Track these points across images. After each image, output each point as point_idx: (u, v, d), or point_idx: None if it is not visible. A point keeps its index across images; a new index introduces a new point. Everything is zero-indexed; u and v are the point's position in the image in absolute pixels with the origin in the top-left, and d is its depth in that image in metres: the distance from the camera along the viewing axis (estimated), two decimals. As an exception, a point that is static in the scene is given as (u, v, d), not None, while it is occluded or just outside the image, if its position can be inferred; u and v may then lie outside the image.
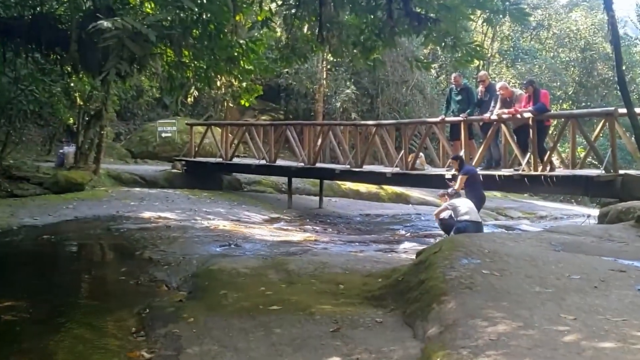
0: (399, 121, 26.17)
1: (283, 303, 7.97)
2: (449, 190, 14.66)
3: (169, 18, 12.91)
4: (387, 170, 19.32)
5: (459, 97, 17.75)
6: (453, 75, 18.90)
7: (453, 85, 18.32)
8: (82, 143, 23.75)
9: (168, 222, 16.72)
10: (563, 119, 17.53)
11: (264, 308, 7.80)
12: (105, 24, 10.51)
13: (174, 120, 33.58)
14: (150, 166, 29.54)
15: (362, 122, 26.17)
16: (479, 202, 14.91)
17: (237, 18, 13.99)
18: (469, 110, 17.27)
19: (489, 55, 46.13)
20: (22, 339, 7.33)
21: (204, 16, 12.98)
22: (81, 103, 24.53)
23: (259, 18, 15.13)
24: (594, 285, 6.79)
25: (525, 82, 17.24)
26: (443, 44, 13.22)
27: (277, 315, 7.49)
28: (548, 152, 15.75)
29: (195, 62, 15.24)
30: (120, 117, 35.81)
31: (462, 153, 16.85)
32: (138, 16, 13.77)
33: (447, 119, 18.15)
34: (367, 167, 20.66)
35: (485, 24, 37.99)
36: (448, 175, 16.55)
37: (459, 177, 15.13)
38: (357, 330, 6.85)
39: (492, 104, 16.69)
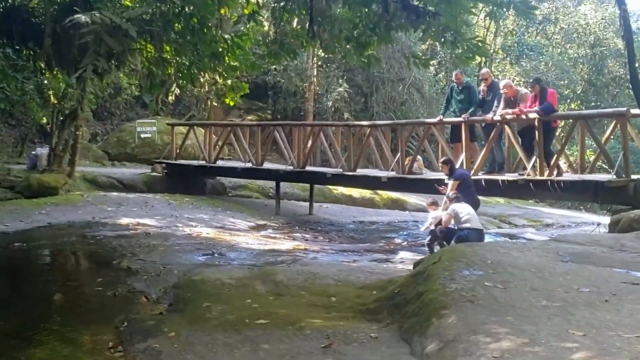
0: (395, 122, 26.12)
1: (271, 317, 7.96)
2: (450, 194, 14.61)
3: (149, 11, 12.91)
4: (382, 174, 19.27)
5: (461, 96, 17.61)
6: (454, 72, 18.77)
7: (454, 84, 18.18)
8: (56, 144, 23.66)
9: (147, 229, 16.67)
10: (571, 120, 17.56)
11: (250, 322, 7.78)
12: (83, 18, 10.51)
13: (154, 120, 33.51)
14: (129, 169, 29.51)
15: (356, 122, 26.20)
16: (474, 208, 14.88)
17: (222, 11, 14.03)
18: (471, 110, 17.14)
19: (491, 51, 46.09)
20: (-8, 353, 7.31)
21: (187, 9, 12.99)
22: (55, 102, 24.48)
23: (246, 11, 15.16)
24: (605, 299, 6.79)
25: (531, 80, 17.20)
26: (443, 39, 13.24)
27: (265, 329, 7.48)
28: (555, 156, 15.69)
29: (177, 58, 15.25)
30: (96, 116, 35.78)
31: (462, 156, 16.84)
32: (117, 9, 13.78)
33: (447, 119, 18.08)
34: (360, 171, 20.59)
35: (487, 18, 38.05)
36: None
37: (450, 182, 15.00)
38: (351, 346, 6.84)
39: (495, 104, 16.61)
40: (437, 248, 14.26)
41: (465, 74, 19.89)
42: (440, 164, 16.48)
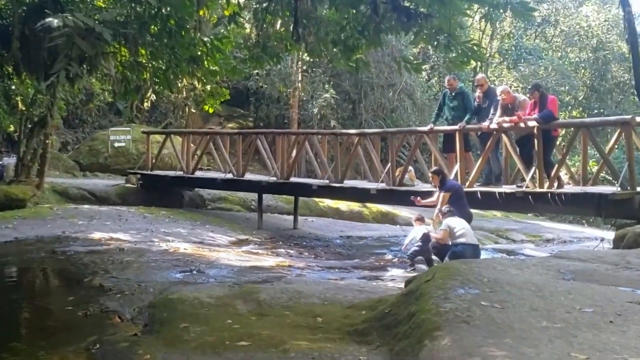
0: (385, 130, 26.08)
1: (253, 338, 7.91)
2: (443, 208, 14.56)
3: (123, 13, 12.88)
4: (372, 186, 19.27)
5: (454, 103, 17.54)
6: (447, 77, 18.69)
7: (447, 90, 18.14)
8: (24, 154, 23.65)
9: (121, 245, 16.62)
10: (573, 129, 17.60)
11: (230, 344, 7.73)
12: (55, 22, 10.45)
13: (128, 128, 33.49)
14: (101, 180, 29.48)
15: (343, 130, 26.23)
16: (466, 221, 14.83)
17: (201, 12, 13.99)
18: (466, 118, 17.06)
19: (487, 55, 46.25)
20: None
21: (164, 10, 12.95)
22: (23, 108, 24.43)
23: (226, 13, 15.14)
24: (610, 319, 6.77)
25: (530, 86, 17.19)
26: (435, 42, 13.21)
27: (246, 352, 7.43)
28: (555, 166, 15.68)
29: (153, 62, 15.20)
30: (67, 124, 35.74)
31: (457, 167, 16.82)
32: (89, 11, 13.73)
33: (439, 127, 18.04)
34: (348, 183, 20.62)
35: (483, 20, 38.10)
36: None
37: (441, 194, 14.93)
38: (338, 371, 6.81)
39: (492, 111, 16.54)
40: (424, 266, 14.36)
41: (459, 80, 19.88)
42: (430, 175, 16.41)
